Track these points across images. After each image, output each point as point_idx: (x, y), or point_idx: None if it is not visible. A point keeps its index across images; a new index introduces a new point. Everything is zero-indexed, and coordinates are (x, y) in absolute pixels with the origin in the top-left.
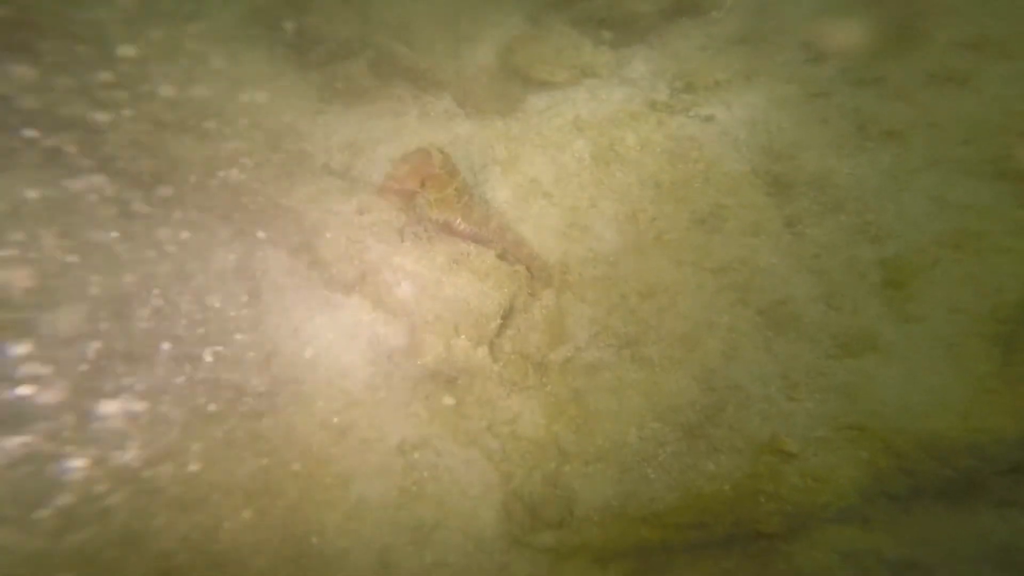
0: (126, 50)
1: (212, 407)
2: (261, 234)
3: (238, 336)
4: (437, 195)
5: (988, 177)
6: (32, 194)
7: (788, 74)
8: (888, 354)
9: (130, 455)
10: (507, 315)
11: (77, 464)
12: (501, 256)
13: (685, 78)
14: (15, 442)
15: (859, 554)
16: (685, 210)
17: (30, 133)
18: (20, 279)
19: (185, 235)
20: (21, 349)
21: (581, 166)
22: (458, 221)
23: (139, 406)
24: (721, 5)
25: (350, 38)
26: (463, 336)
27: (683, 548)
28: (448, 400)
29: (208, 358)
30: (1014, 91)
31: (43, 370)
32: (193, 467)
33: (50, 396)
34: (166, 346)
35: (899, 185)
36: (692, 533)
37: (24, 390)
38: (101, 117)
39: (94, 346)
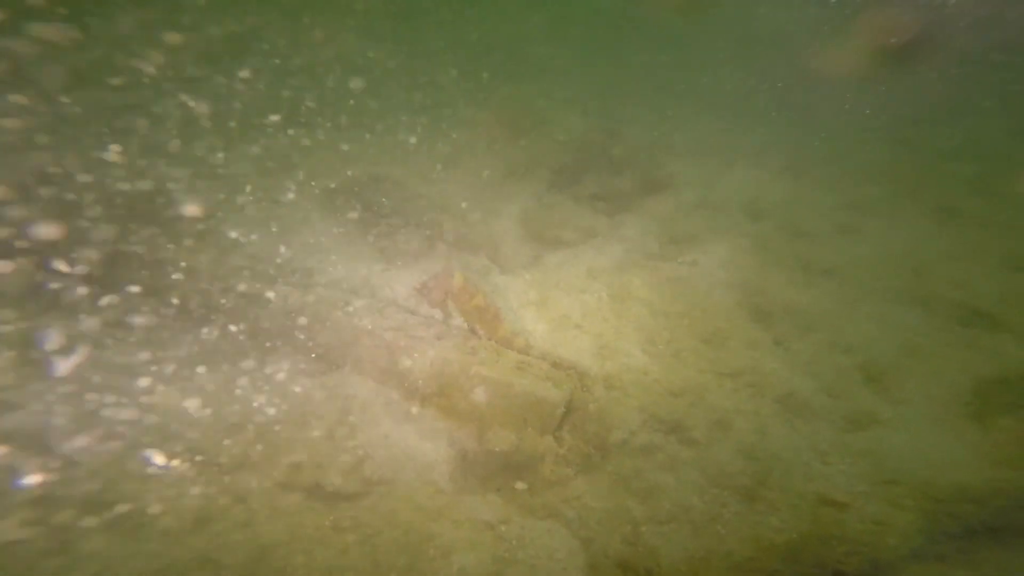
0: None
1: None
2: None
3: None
4: (462, 307)
5: (907, 303)
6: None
7: (740, 230)
8: (891, 427)
9: None
10: (567, 409)
11: None
12: (555, 364)
13: (667, 234)
14: None
15: None
16: (692, 333)
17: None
18: None
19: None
20: None
21: (601, 304)
22: (481, 332)
23: None
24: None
25: (403, 212)
26: (530, 428)
27: None
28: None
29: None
30: (891, 239)
31: None
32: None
33: None
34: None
35: (849, 311)
36: None
37: None
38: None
39: None
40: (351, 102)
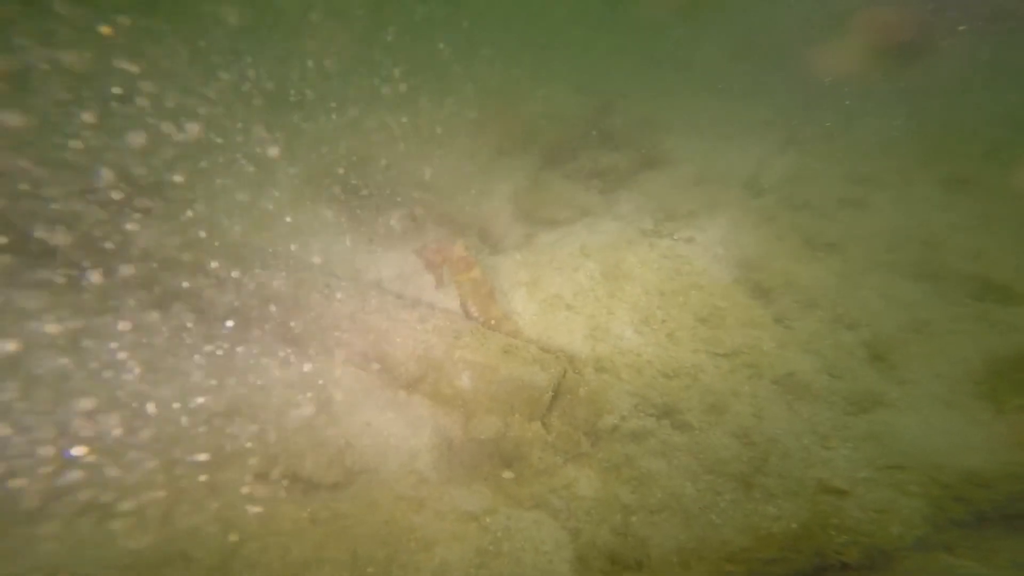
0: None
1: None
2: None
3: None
4: (458, 277)
5: (914, 278)
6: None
7: (741, 204)
8: (897, 409)
9: None
10: (556, 393)
11: None
12: (544, 347)
13: (664, 211)
14: None
15: None
16: (688, 312)
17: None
18: None
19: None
20: None
21: (594, 283)
22: (471, 308)
23: None
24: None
25: (390, 194)
26: (517, 414)
27: None
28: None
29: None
30: (899, 211)
31: None
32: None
33: None
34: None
35: (853, 285)
36: (777, 567)
37: None
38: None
39: None
40: (319, 79)
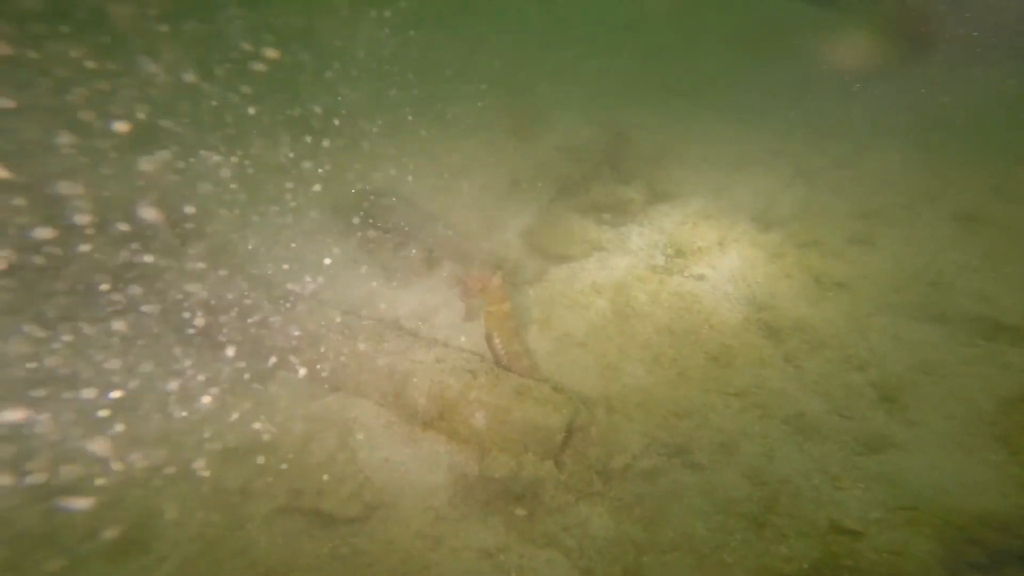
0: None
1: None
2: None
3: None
4: (489, 308)
5: (924, 320)
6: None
7: (750, 240)
8: (908, 450)
9: None
10: (568, 433)
11: None
12: (556, 387)
13: (674, 246)
14: None
15: None
16: (699, 351)
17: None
18: None
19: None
20: None
21: (605, 320)
22: (496, 340)
23: None
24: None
25: (407, 229)
26: (530, 453)
27: None
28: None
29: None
30: (907, 250)
31: None
32: None
33: None
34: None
35: (862, 326)
36: None
37: None
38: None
39: None
40: (341, 109)
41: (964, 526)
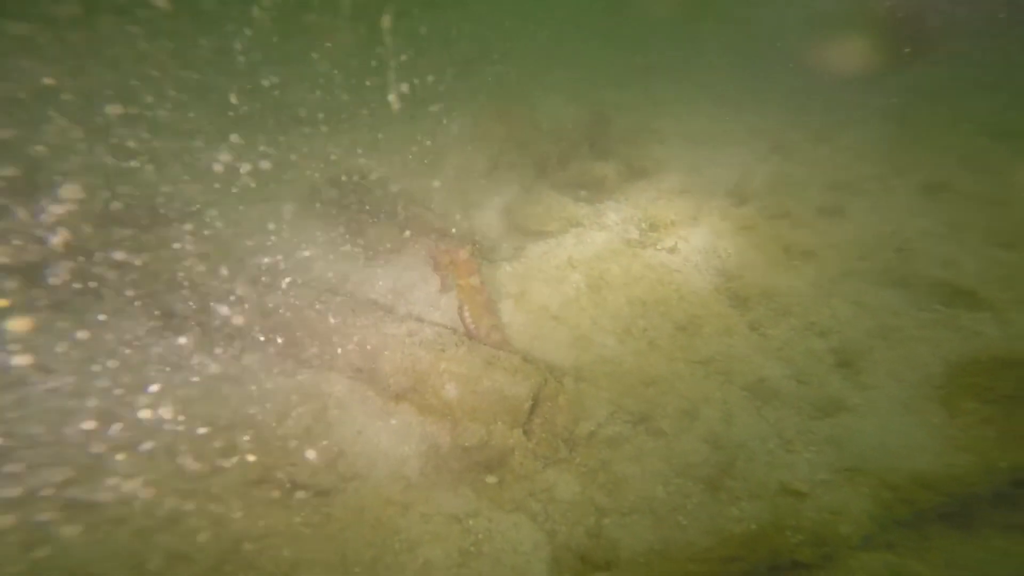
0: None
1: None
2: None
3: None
4: (459, 281)
5: (886, 285)
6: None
7: (723, 213)
8: (858, 413)
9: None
10: (535, 402)
11: None
12: (526, 357)
13: (648, 221)
14: None
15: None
16: (668, 321)
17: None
18: None
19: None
20: None
21: (579, 294)
22: (466, 312)
23: None
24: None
25: (386, 208)
26: (500, 422)
27: None
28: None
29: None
30: (875, 218)
31: None
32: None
33: None
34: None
35: (826, 293)
36: (735, 566)
37: None
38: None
39: None
40: (319, 93)
41: (898, 486)
